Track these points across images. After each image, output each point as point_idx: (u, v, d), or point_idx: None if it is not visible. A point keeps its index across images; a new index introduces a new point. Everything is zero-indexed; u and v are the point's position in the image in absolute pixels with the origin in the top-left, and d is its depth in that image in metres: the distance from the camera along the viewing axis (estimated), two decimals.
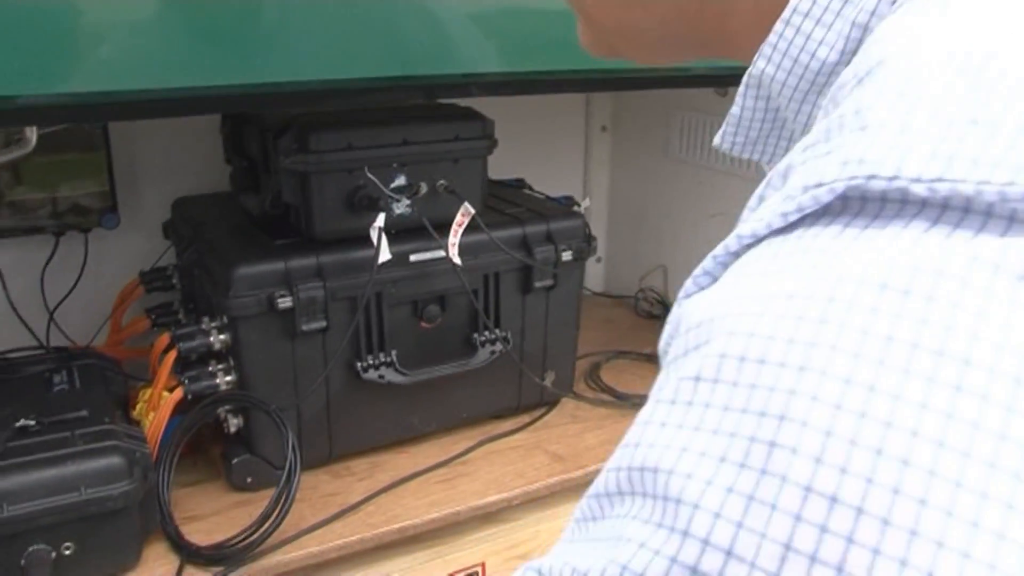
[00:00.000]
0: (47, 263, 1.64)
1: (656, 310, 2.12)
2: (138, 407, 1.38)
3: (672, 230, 2.07)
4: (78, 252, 1.66)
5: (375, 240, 1.30)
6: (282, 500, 1.27)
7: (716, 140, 0.62)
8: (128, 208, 1.67)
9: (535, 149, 2.11)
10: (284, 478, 1.28)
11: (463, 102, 1.51)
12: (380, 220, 1.30)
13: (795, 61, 0.51)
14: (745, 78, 0.56)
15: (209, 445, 1.48)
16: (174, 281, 1.61)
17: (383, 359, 1.42)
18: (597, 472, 1.19)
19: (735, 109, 0.58)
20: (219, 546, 1.24)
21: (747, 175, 1.86)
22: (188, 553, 1.24)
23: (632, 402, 1.71)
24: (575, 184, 2.25)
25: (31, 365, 1.42)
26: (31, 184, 1.57)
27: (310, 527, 1.32)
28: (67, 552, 1.14)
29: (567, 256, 1.53)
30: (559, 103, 2.19)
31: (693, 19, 0.59)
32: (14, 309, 1.57)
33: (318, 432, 1.44)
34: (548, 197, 1.74)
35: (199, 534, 1.29)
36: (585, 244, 1.55)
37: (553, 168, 2.13)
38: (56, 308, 1.63)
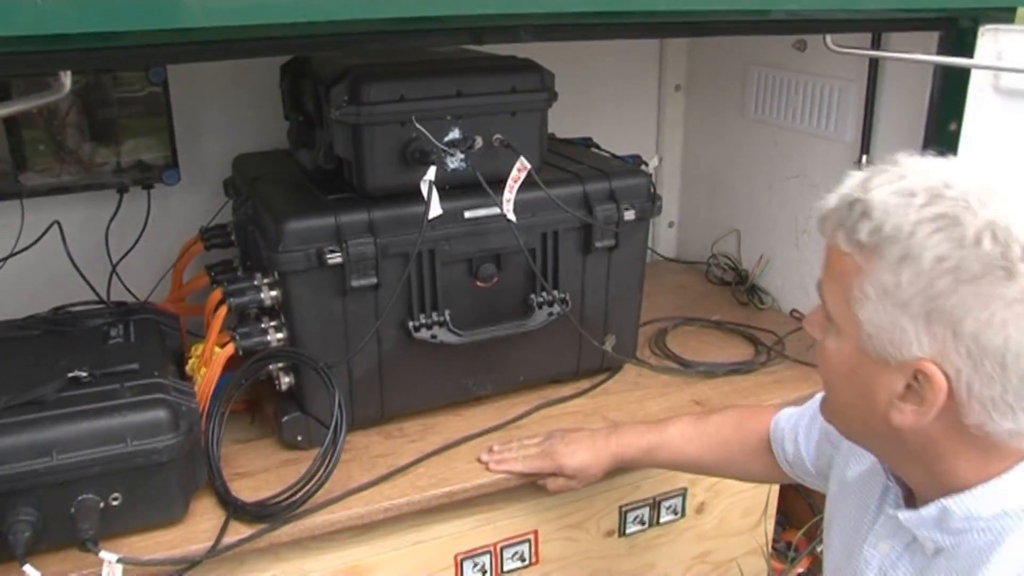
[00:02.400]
0: (111, 219, 1.65)
1: (728, 276, 2.03)
2: (191, 362, 1.38)
3: (747, 193, 1.98)
4: (141, 208, 1.66)
5: (425, 194, 1.26)
6: (327, 459, 1.24)
7: None
8: (189, 165, 1.67)
9: (606, 109, 2.04)
10: (330, 436, 1.25)
11: (522, 55, 1.45)
12: (431, 173, 1.26)
13: None
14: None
15: (266, 402, 1.47)
16: (233, 237, 1.60)
17: (436, 318, 1.38)
18: None
19: None
20: (264, 503, 1.23)
21: (828, 135, 1.76)
22: (234, 508, 1.23)
23: (697, 369, 1.64)
24: (647, 145, 2.17)
25: (90, 319, 1.43)
26: (95, 140, 1.58)
27: (357, 487, 1.30)
28: (115, 502, 1.14)
29: (630, 215, 1.46)
30: (631, 62, 2.11)
31: (913, 453, 0.83)
32: (74, 264, 1.58)
33: (369, 392, 1.41)
34: (613, 156, 1.68)
35: (247, 490, 1.28)
36: (649, 203, 1.49)
37: (624, 129, 2.06)
38: (118, 263, 1.64)
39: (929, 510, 0.85)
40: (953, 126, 1.40)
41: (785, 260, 1.91)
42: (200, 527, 1.21)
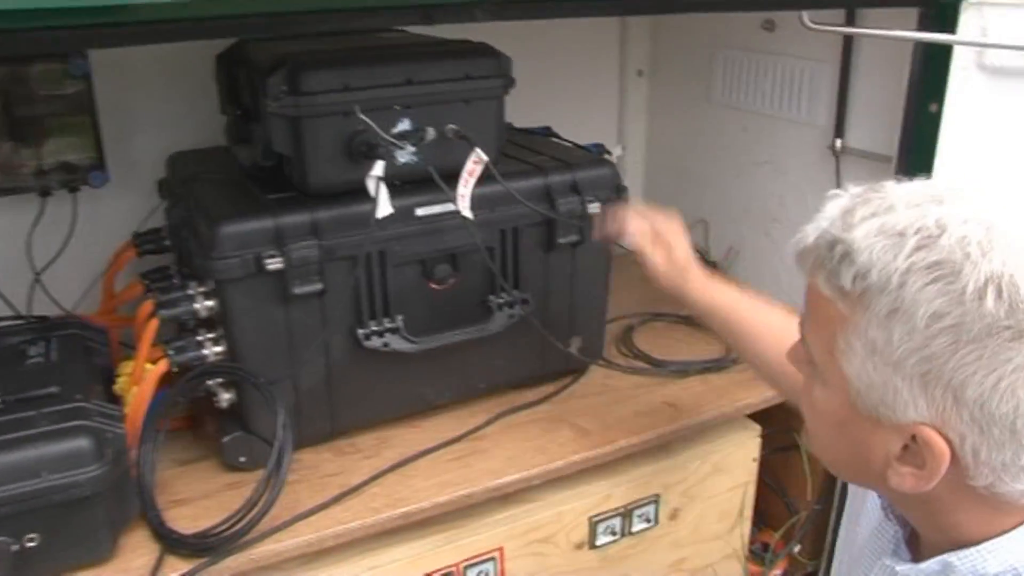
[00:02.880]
0: (34, 225, 1.52)
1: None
2: (120, 381, 1.26)
3: (715, 181, 1.90)
4: (67, 213, 1.54)
5: (373, 191, 1.15)
6: (271, 483, 1.14)
7: None
8: (120, 165, 1.55)
9: (566, 97, 1.95)
10: (273, 459, 1.15)
11: (476, 39, 1.35)
12: (378, 168, 1.15)
13: None
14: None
15: (208, 419, 1.36)
16: (168, 243, 1.48)
17: (388, 325, 1.28)
18: (628, 448, 1.04)
19: None
20: (203, 534, 1.12)
21: (799, 119, 1.68)
22: (170, 542, 1.12)
23: (669, 369, 1.56)
24: (609, 134, 2.08)
25: (5, 336, 1.30)
26: (14, 140, 1.45)
27: (306, 512, 1.19)
28: (31, 544, 1.03)
29: (595, 208, 1.37)
30: (591, 47, 2.02)
31: (915, 503, 0.74)
32: None
33: (318, 406, 1.30)
34: (576, 145, 1.58)
35: (186, 520, 1.17)
36: (615, 195, 1.39)
37: (585, 117, 1.97)
38: (42, 272, 1.52)
39: (931, 566, 0.76)
40: (934, 107, 1.32)
41: (755, 250, 1.83)
42: (132, 565, 1.10)
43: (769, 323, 1.18)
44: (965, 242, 0.63)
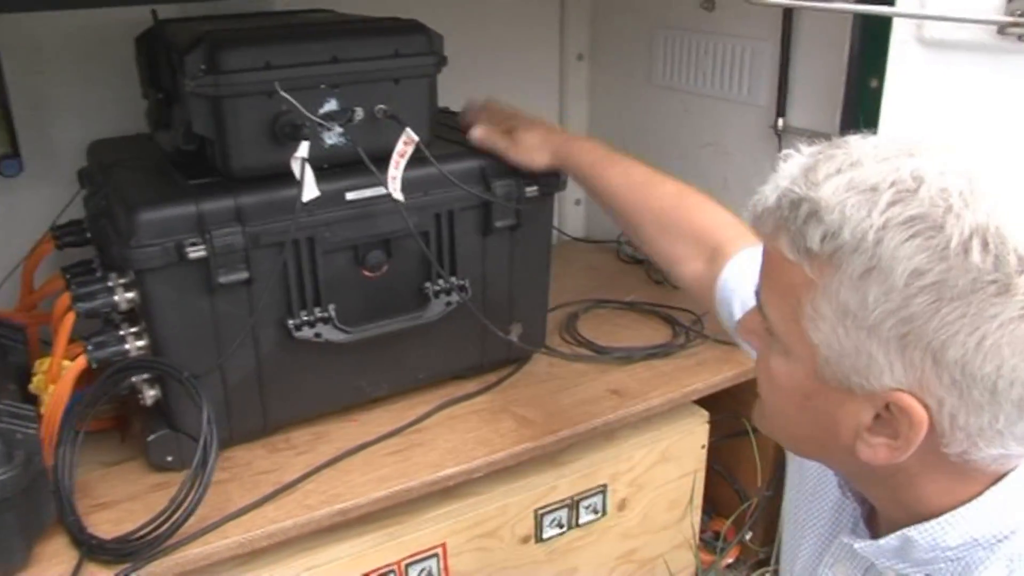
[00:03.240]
0: None
1: (641, 254, 1.92)
2: (36, 379, 1.19)
3: (658, 164, 1.85)
4: None
5: (298, 173, 1.10)
6: (197, 481, 1.08)
7: None
8: (37, 155, 1.48)
9: (504, 82, 1.88)
10: (199, 455, 1.09)
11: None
12: (303, 149, 1.10)
13: None
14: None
15: (135, 418, 1.30)
16: (89, 235, 1.41)
17: (320, 315, 1.23)
18: (572, 438, 0.99)
19: None
20: (124, 538, 1.06)
21: (741, 99, 1.66)
22: (89, 548, 1.06)
23: (613, 355, 1.52)
24: (550, 119, 2.01)
25: None
26: None
27: (236, 512, 1.14)
28: None
29: (532, 191, 1.33)
30: (529, 31, 1.98)
31: (879, 478, 0.71)
32: None
33: (249, 401, 1.25)
34: None
35: (108, 524, 1.11)
36: (554, 178, 1.35)
37: (525, 102, 1.88)
38: None
39: (890, 541, 0.72)
40: (875, 83, 1.30)
41: None
42: (47, 574, 1.04)
43: (663, 196, 1.17)
44: (946, 194, 0.59)
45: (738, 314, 0.98)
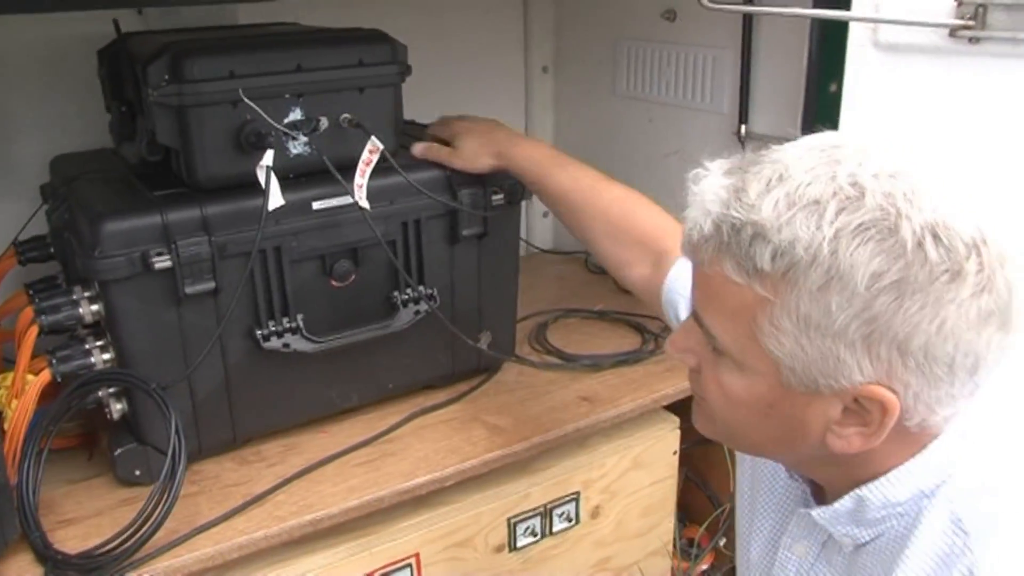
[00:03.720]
0: None
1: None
2: None
3: (624, 174, 1.85)
4: None
5: (263, 181, 1.10)
6: (165, 494, 1.07)
7: None
8: None
9: (470, 95, 1.90)
10: (167, 467, 1.08)
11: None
12: (268, 158, 1.10)
13: None
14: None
15: (102, 435, 1.28)
16: (53, 250, 1.40)
17: (288, 325, 1.22)
18: (542, 445, 0.99)
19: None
20: (90, 553, 1.05)
21: (704, 107, 1.68)
22: (54, 564, 1.05)
23: (582, 363, 1.53)
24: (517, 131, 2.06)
25: None
26: None
27: (205, 524, 1.13)
28: None
29: (498, 199, 1.33)
30: (494, 44, 1.99)
31: (836, 460, 0.73)
32: None
33: (217, 413, 1.24)
34: None
35: (75, 540, 1.10)
36: (519, 185, 1.35)
37: (492, 115, 1.92)
38: None
39: (844, 503, 0.75)
40: (833, 87, 1.33)
41: None
42: None
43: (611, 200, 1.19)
44: (892, 198, 0.62)
45: (684, 315, 1.02)
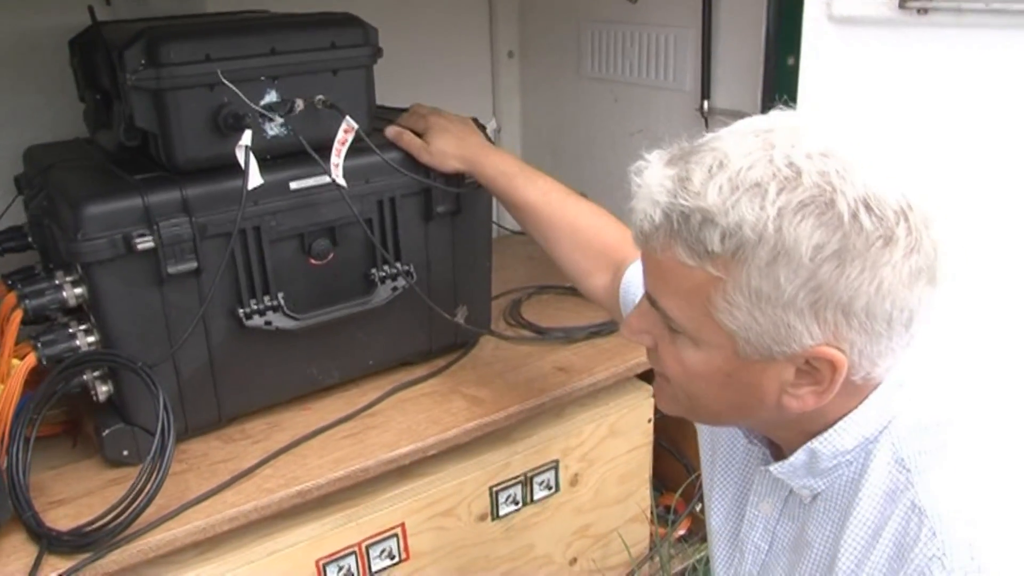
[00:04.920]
0: None
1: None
2: None
3: (591, 155, 1.93)
4: None
5: (242, 161, 1.12)
6: (156, 468, 1.09)
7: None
8: None
9: (437, 81, 1.94)
10: (157, 442, 1.10)
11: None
12: (246, 138, 1.12)
13: None
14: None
15: (87, 420, 1.30)
16: (30, 240, 1.41)
17: (269, 303, 1.25)
18: (520, 414, 1.03)
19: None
20: (82, 529, 1.07)
21: (667, 86, 1.72)
22: (49, 541, 1.07)
23: (556, 336, 1.57)
24: (483, 116, 2.08)
25: None
26: None
27: (196, 499, 1.15)
28: None
29: (470, 177, 1.36)
30: (460, 30, 2.03)
31: (792, 420, 0.78)
32: None
33: (202, 393, 1.26)
34: None
35: (67, 519, 1.12)
36: None
37: (458, 100, 1.92)
38: None
39: (798, 456, 0.80)
40: (791, 60, 1.37)
41: None
42: (7, 569, 1.04)
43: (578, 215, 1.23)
44: (826, 176, 0.67)
45: None
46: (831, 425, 0.77)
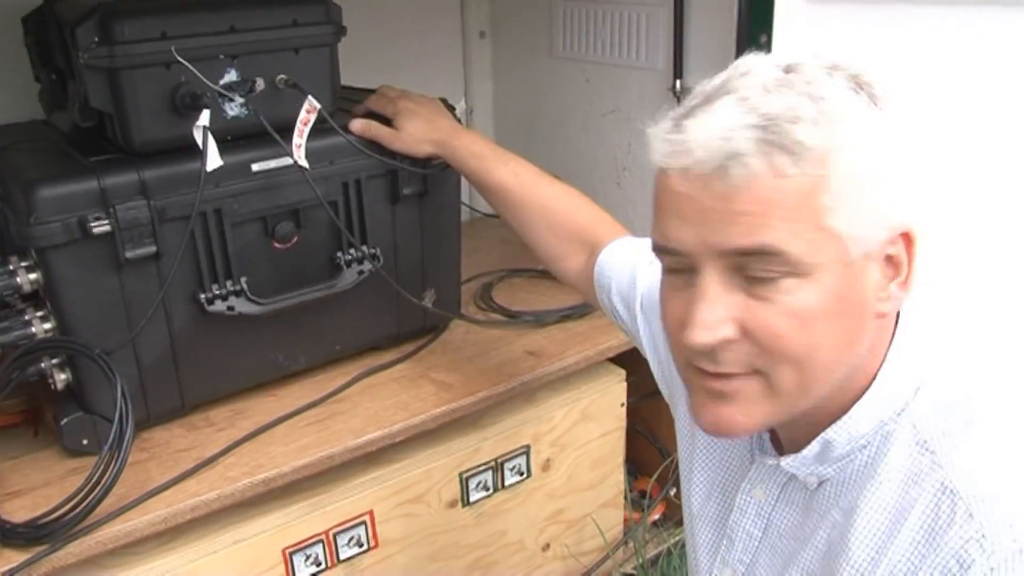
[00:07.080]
0: None
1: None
2: None
3: (563, 135, 1.91)
4: None
5: (200, 142, 1.09)
6: (114, 457, 1.07)
7: None
8: None
9: (408, 63, 1.91)
10: (115, 430, 1.08)
11: None
12: (204, 118, 1.09)
13: None
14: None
15: (47, 409, 1.27)
16: None
17: (231, 288, 1.22)
18: (489, 399, 1.00)
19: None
20: (37, 521, 1.04)
21: (639, 65, 1.70)
22: (2, 533, 1.04)
23: (526, 319, 1.55)
24: (455, 97, 2.05)
25: None
26: None
27: (156, 488, 1.13)
28: None
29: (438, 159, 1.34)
30: (430, 11, 1.99)
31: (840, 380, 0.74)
32: None
33: (164, 380, 1.23)
34: None
35: (22, 511, 1.09)
36: None
37: (430, 81, 1.90)
38: None
39: (811, 449, 0.76)
40: (764, 38, 1.35)
41: (608, 200, 1.84)
42: None
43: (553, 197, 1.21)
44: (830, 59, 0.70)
45: (616, 295, 1.08)
46: (842, 412, 0.74)
